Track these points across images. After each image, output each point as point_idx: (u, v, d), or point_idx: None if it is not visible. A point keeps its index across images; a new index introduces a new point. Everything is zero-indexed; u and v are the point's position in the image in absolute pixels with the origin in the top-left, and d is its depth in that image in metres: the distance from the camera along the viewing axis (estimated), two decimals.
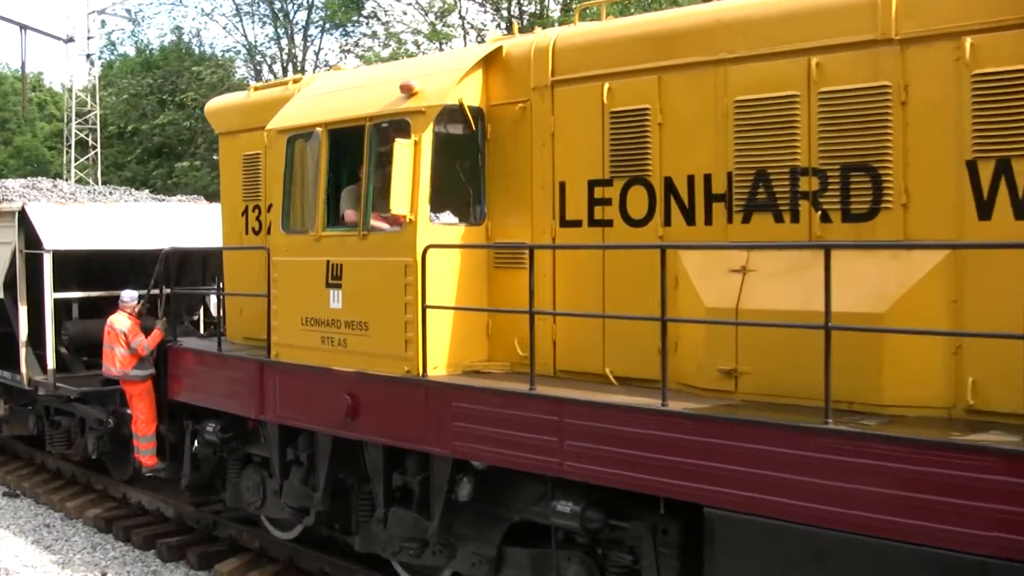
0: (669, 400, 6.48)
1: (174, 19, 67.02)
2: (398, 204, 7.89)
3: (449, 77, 8.10)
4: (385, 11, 38.86)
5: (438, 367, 7.98)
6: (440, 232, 8.06)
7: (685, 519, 6.55)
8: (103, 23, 45.46)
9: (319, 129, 8.82)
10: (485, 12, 35.66)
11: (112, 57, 48.58)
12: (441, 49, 21.94)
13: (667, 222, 7.19)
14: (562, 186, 7.83)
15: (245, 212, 11.04)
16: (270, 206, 10.57)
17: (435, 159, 8.04)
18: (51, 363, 12.79)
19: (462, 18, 36.28)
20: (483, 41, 34.96)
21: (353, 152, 8.80)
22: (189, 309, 14.85)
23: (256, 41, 44.56)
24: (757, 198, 6.69)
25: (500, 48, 8.29)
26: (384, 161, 8.42)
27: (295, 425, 9.22)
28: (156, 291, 11.38)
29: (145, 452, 11.26)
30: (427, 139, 7.98)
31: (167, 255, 11.33)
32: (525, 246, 7.64)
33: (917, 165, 6.02)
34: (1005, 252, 5.62)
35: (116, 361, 11.06)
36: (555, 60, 7.84)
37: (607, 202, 7.52)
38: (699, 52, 6.97)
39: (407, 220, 7.97)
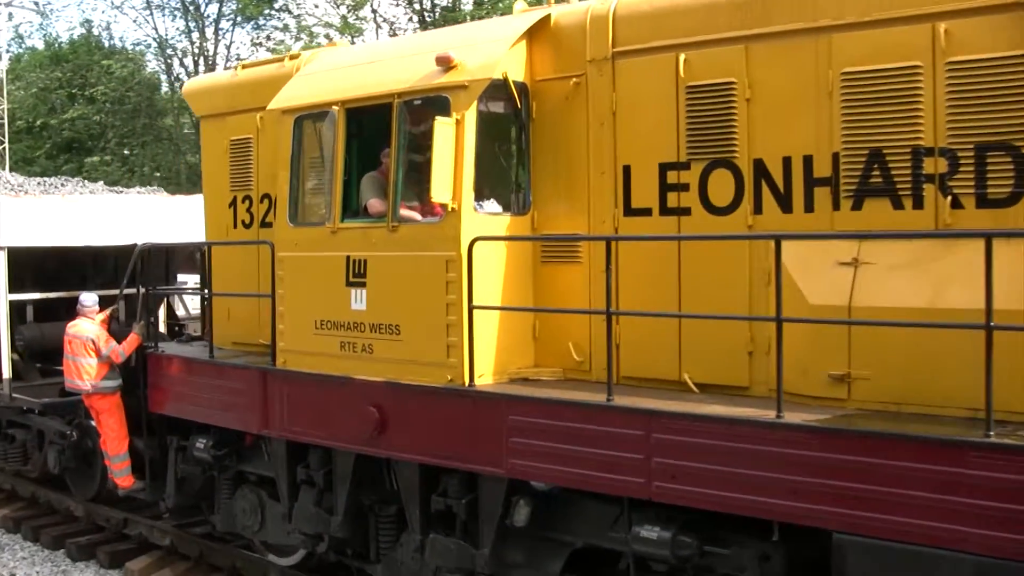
0: (769, 409, 5.80)
1: (83, 12, 65.31)
2: (439, 191, 7.04)
3: (495, 48, 7.27)
4: (297, 4, 39.33)
5: (484, 375, 7.16)
6: (485, 223, 7.24)
7: (790, 545, 5.87)
8: (10, 16, 44.23)
9: (335, 108, 7.91)
10: (397, 5, 36.08)
11: (20, 51, 47.62)
12: (353, 43, 21.70)
13: (757, 210, 6.47)
14: (626, 170, 7.06)
15: (233, 203, 10.04)
16: (264, 196, 9.63)
17: (477, 141, 7.22)
18: (6, 371, 11.61)
19: (374, 11, 37.23)
20: (395, 35, 35.06)
21: (375, 133, 7.93)
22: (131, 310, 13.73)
23: (167, 34, 44.75)
24: (871, 182, 6.01)
25: (547, 17, 7.48)
26: (416, 143, 7.59)
27: (307, 441, 8.31)
28: (134, 292, 10.33)
29: (120, 472, 10.20)
30: (471, 118, 7.14)
31: (143, 251, 10.27)
32: (601, 237, 6.84)
33: None
34: None
35: (83, 373, 9.99)
36: (616, 29, 7.06)
37: (683, 188, 6.77)
38: (796, 18, 6.27)
39: (449, 209, 7.14)
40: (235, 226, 10.02)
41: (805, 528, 5.67)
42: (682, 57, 6.70)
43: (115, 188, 16.04)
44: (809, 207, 6.27)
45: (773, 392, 6.24)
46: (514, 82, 7.37)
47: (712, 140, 6.61)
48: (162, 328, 13.77)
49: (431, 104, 7.40)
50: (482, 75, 7.12)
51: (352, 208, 8.02)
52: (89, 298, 10.40)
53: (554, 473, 6.65)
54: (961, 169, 5.69)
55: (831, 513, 5.39)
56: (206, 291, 10.11)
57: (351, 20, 37.15)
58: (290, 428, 8.39)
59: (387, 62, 8.02)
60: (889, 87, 5.89)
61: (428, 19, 33.49)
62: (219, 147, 10.15)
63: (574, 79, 7.29)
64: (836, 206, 6.14)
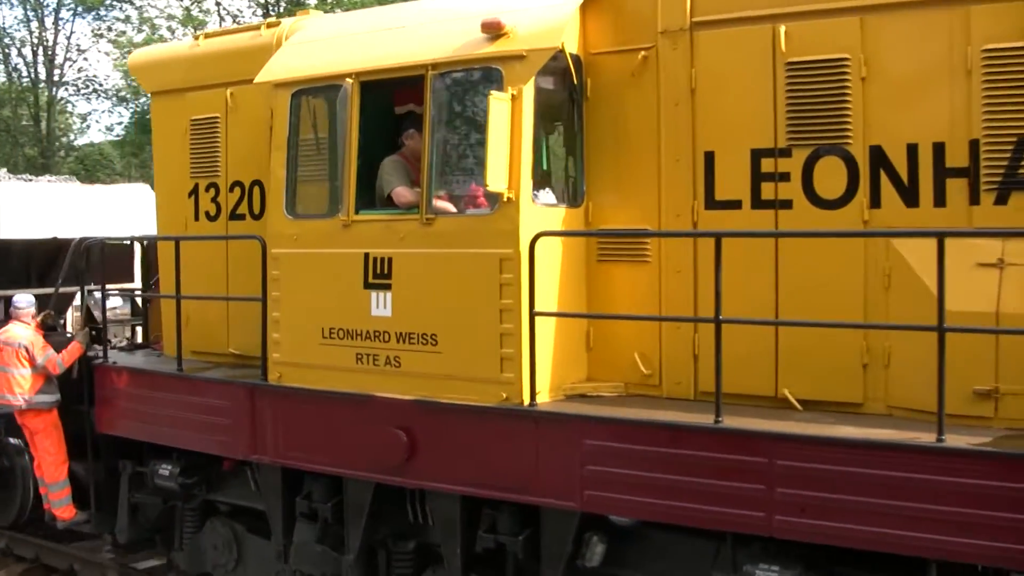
0: (898, 428, 5.16)
1: None
2: (495, 179, 6.10)
3: (556, 12, 6.36)
4: None
5: (540, 392, 6.27)
6: (544, 216, 6.34)
7: None
8: None
9: (349, 80, 6.86)
10: None
11: None
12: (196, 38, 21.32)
13: (875, 203, 5.77)
14: (709, 157, 6.28)
15: (195, 192, 8.80)
16: (235, 184, 8.47)
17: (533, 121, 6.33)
18: None
19: (218, 4, 37.11)
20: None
21: (380, 113, 6.95)
22: (58, 311, 12.22)
23: (4, 23, 43.06)
24: (1019, 173, 5.40)
25: None
26: (454, 122, 6.63)
27: (310, 469, 7.24)
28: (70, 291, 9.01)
29: (58, 503, 8.85)
30: (529, 93, 6.22)
31: (88, 247, 8.93)
32: (710, 233, 5.99)
33: None
34: None
35: (15, 386, 8.61)
36: None
37: (783, 177, 6.01)
38: None
39: (504, 200, 6.21)
40: (196, 218, 8.78)
41: (957, 567, 5.03)
42: (782, 29, 5.95)
43: (23, 176, 14.31)
44: (940, 201, 5.60)
45: (892, 410, 5.67)
46: (569, 54, 6.51)
47: (819, 124, 5.89)
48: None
49: (476, 77, 6.46)
50: (544, 44, 6.20)
51: (367, 198, 7.00)
52: (23, 299, 9.01)
53: (643, 506, 5.81)
54: None
55: (1018, 552, 4.74)
56: (165, 293, 8.84)
57: (194, 12, 37.45)
58: (286, 453, 7.29)
59: (412, 28, 7.00)
60: None
61: (272, 12, 32.83)
62: (175, 128, 8.89)
63: (642, 52, 6.46)
64: (975, 199, 5.50)
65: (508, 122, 6.14)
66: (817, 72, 5.88)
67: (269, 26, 8.42)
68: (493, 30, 6.33)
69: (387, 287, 6.70)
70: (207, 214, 8.70)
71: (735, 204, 6.20)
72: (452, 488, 6.54)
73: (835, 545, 5.24)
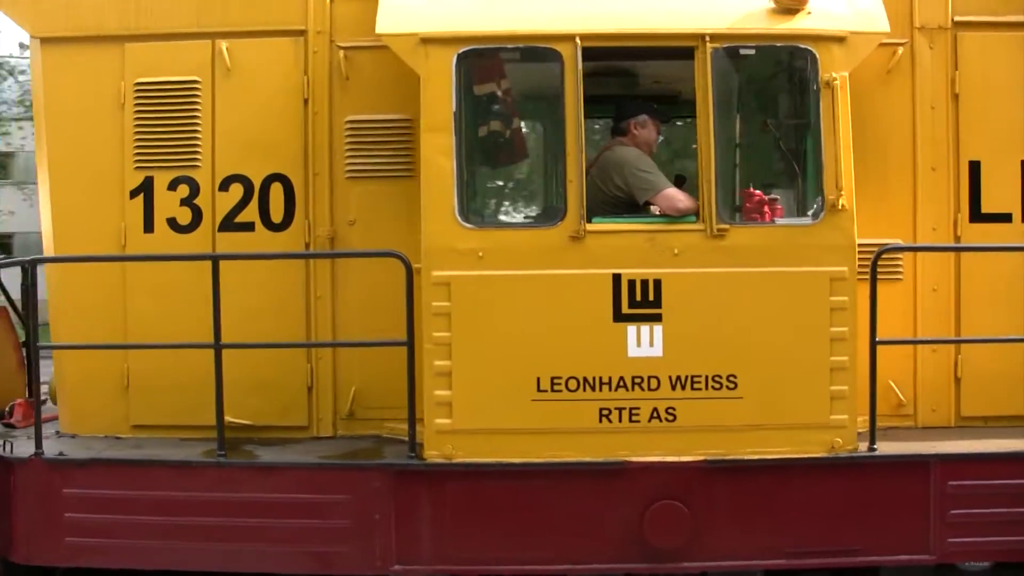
0: None
1: None
2: (833, 183, 5.27)
3: None
4: None
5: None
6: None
7: None
8: None
9: (567, 44, 5.32)
10: None
11: None
12: None
13: None
14: (974, 166, 6.06)
15: (145, 190, 6.09)
16: (231, 179, 6.07)
17: None
18: None
19: None
20: None
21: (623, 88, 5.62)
22: None
23: None
24: None
25: None
26: (742, 109, 5.58)
27: (498, 572, 5.46)
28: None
29: None
30: (846, 85, 5.46)
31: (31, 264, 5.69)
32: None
33: None
34: None
35: None
36: None
37: None
38: None
39: (840, 207, 5.35)
40: (149, 228, 6.09)
41: None
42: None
43: None
44: None
45: None
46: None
47: None
48: None
49: (774, 58, 5.49)
50: (873, 27, 5.48)
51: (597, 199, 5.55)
52: None
53: (1011, 545, 5.44)
54: None
55: None
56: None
57: None
58: (456, 557, 5.41)
59: None
60: None
61: None
62: (99, 93, 6.10)
63: (899, 47, 6.03)
64: None
65: (838, 116, 5.33)
66: None
67: None
68: (793, 5, 5.43)
69: (655, 318, 5.34)
70: (172, 222, 6.08)
71: (1005, 217, 6.08)
72: (755, 564, 5.45)
73: None
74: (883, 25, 5.52)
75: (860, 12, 5.51)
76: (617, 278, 5.36)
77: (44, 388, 6.52)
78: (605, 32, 5.42)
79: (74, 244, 6.09)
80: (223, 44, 6.03)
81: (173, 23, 6.08)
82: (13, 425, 6.33)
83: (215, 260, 5.56)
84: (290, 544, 5.42)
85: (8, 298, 6.84)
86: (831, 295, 5.37)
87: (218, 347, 5.51)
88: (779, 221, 5.48)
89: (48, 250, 6.19)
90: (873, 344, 5.40)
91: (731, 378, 5.37)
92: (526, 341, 5.37)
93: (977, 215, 6.11)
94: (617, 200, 5.65)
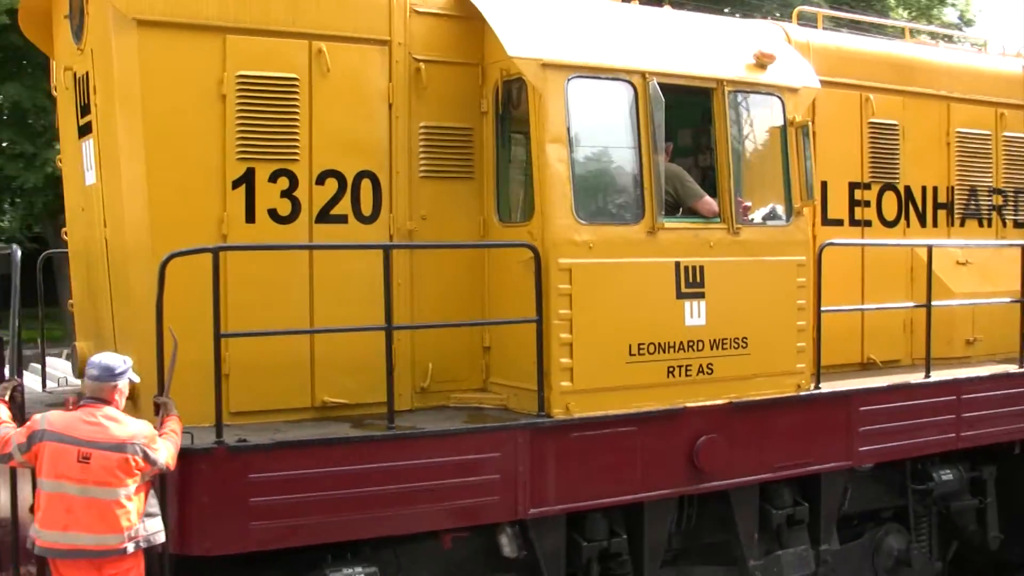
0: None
1: None
2: (797, 196, 7.68)
3: (802, 59, 8.02)
4: None
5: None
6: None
7: None
8: None
9: (653, 80, 7.04)
10: None
11: None
12: None
13: (908, 223, 9.33)
14: (824, 185, 8.78)
15: (247, 181, 6.47)
16: (327, 174, 6.78)
17: None
18: None
19: None
20: None
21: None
22: None
23: None
24: (969, 208, 9.69)
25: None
26: (741, 138, 7.67)
27: (603, 505, 6.98)
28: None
29: None
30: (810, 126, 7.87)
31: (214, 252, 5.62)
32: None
33: None
34: None
35: (122, 517, 5.22)
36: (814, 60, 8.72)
37: (865, 204, 9.04)
38: (929, 85, 9.42)
39: (803, 213, 7.73)
40: (251, 219, 6.51)
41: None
42: (870, 97, 9.00)
43: None
44: (935, 223, 9.52)
45: (920, 362, 9.37)
46: None
47: (885, 167, 9.14)
48: None
49: (755, 100, 7.66)
50: (814, 84, 7.92)
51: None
52: (111, 359, 5.22)
53: (902, 448, 8.29)
54: (1008, 203, 9.96)
55: None
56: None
57: None
58: (574, 496, 6.84)
59: (689, 39, 7.60)
60: (979, 146, 9.73)
61: None
62: (195, 80, 6.36)
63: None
64: (953, 223, 9.60)
65: (807, 146, 7.71)
66: (884, 129, 9.14)
67: None
68: (766, 60, 7.71)
69: (701, 295, 7.28)
70: (273, 213, 6.58)
71: (839, 222, 8.93)
72: (755, 479, 7.60)
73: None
74: (817, 83, 8.03)
75: (805, 72, 7.96)
76: (678, 264, 7.21)
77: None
78: (667, 72, 7.21)
79: (174, 234, 6.28)
80: (322, 45, 6.69)
81: (270, 19, 6.57)
82: None
83: (387, 250, 6.35)
84: (448, 501, 6.41)
85: None
86: (797, 276, 7.74)
87: (389, 329, 6.32)
88: (768, 223, 7.72)
89: (142, 241, 6.30)
90: (819, 311, 7.87)
91: (744, 339, 7.48)
92: (622, 316, 6.97)
93: (825, 220, 8.90)
94: (665, 203, 7.45)
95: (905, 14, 49.56)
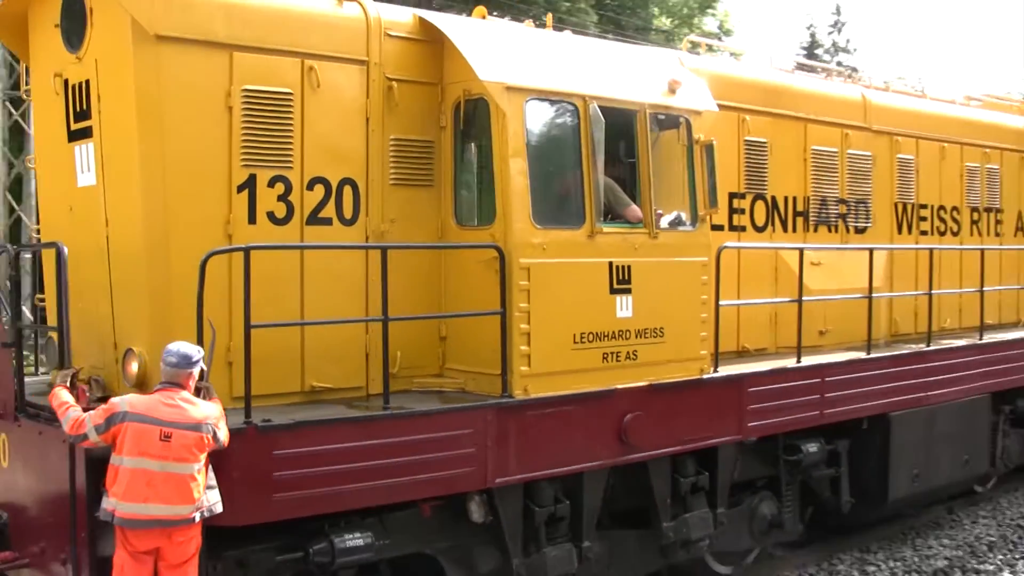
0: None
1: None
2: (701, 205, 9.04)
3: (702, 85, 9.36)
4: None
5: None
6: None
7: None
8: None
9: (595, 104, 8.22)
10: None
11: None
12: None
13: (775, 228, 10.88)
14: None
15: (249, 187, 7.23)
16: (316, 181, 7.64)
17: None
18: None
19: None
20: None
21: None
22: None
23: None
24: (820, 215, 11.35)
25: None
26: (657, 154, 8.92)
27: (552, 475, 8.10)
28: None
29: None
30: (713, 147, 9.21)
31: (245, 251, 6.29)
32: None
33: (879, 201, 12.09)
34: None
35: (185, 490, 6.03)
36: None
37: (741, 211, 10.52)
38: (791, 108, 11.00)
39: (708, 220, 9.09)
40: (252, 220, 7.28)
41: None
42: (746, 118, 10.49)
43: None
44: (795, 229, 11.13)
45: (781, 348, 11.01)
46: None
47: (757, 179, 10.66)
48: None
49: (666, 121, 8.96)
50: (713, 108, 9.28)
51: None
52: (187, 348, 6.05)
53: (781, 424, 9.80)
54: (850, 211, 11.69)
55: (892, 403, 10.94)
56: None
57: None
58: (529, 467, 7.95)
59: (616, 66, 8.86)
60: (827, 162, 11.40)
61: None
62: (205, 93, 7.08)
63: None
64: (808, 228, 11.23)
65: (703, 160, 9.08)
66: (757, 147, 10.66)
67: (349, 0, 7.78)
68: (676, 86, 9.04)
69: (628, 291, 8.52)
70: (271, 216, 7.38)
71: (720, 227, 10.36)
72: (667, 452, 8.91)
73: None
74: (715, 107, 9.41)
75: (707, 97, 9.34)
76: (611, 264, 8.42)
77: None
78: (604, 96, 8.41)
79: (184, 233, 7.02)
80: (313, 63, 7.52)
81: (269, 38, 7.35)
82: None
83: (384, 250, 7.28)
84: (433, 472, 7.41)
85: None
86: (702, 274, 9.11)
87: (385, 320, 7.25)
88: (679, 228, 9.04)
89: (156, 240, 6.97)
90: (717, 305, 9.26)
91: (661, 329, 8.77)
92: (568, 308, 8.12)
93: (732, 227, 10.34)
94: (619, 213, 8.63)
95: (668, 22, 52.93)
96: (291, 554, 7.02)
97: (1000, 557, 11.64)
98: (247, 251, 6.68)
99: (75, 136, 7.69)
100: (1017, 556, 11.70)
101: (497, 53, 8.07)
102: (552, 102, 8.20)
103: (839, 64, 70.15)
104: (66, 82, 7.70)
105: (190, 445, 5.98)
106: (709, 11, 56.79)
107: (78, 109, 7.61)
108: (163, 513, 5.93)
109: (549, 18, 9.68)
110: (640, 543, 9.16)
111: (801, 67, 12.39)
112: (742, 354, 10.54)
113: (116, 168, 7.31)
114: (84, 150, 7.59)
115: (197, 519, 6.07)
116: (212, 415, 6.15)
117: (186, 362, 6.19)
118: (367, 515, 7.41)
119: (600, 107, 8.35)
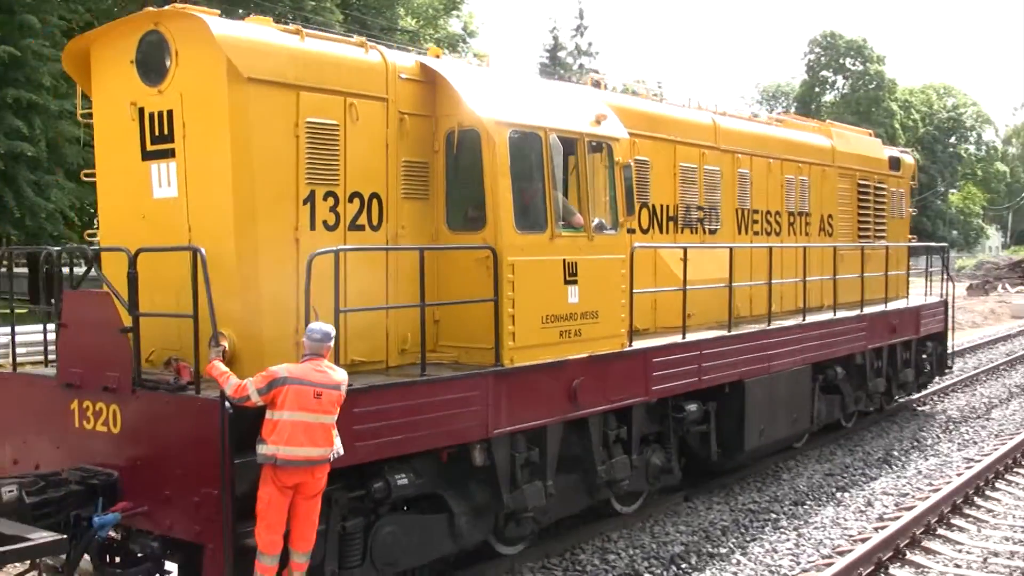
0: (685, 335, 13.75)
1: None
2: (621, 213, 11.72)
3: (617, 120, 11.98)
4: None
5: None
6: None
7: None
8: None
9: (553, 134, 10.72)
10: None
11: None
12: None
13: (654, 230, 13.69)
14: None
15: (311, 200, 9.27)
16: (355, 195, 9.80)
17: None
18: None
19: None
20: None
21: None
22: None
23: None
24: (688, 219, 14.24)
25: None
26: (590, 173, 11.50)
27: (530, 427, 10.51)
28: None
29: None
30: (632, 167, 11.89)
31: (336, 253, 8.29)
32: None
33: (725, 207, 15.11)
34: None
35: (329, 436, 8.26)
36: None
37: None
38: (669, 133, 13.84)
39: (627, 227, 11.76)
40: (312, 227, 9.36)
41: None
42: (635, 141, 13.22)
43: None
44: (668, 231, 13.96)
45: (663, 328, 13.86)
46: None
47: (641, 191, 13.42)
48: None
49: (596, 146, 11.54)
50: (626, 136, 11.95)
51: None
52: (330, 329, 8.27)
53: (680, 386, 12.59)
54: (706, 216, 14.65)
55: (747, 371, 13.98)
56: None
57: None
58: (516, 421, 10.37)
59: (561, 102, 11.27)
60: (691, 177, 14.32)
61: None
62: (280, 125, 9.12)
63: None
64: (678, 231, 14.10)
65: (621, 180, 11.74)
66: (642, 167, 13.44)
67: (368, 48, 9.90)
68: (602, 118, 11.67)
69: (576, 282, 11.07)
70: (325, 223, 9.46)
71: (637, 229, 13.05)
72: (601, 410, 11.51)
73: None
74: (627, 134, 12.09)
75: (621, 127, 12.01)
76: (564, 261, 10.94)
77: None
78: (561, 128, 10.93)
79: (266, 237, 9.03)
80: (353, 100, 9.63)
81: (324, 80, 9.42)
82: (185, 387, 8.73)
83: (421, 252, 9.51)
84: (453, 425, 9.70)
85: (110, 287, 8.95)
86: (622, 269, 11.77)
87: (423, 306, 9.49)
88: (606, 231, 11.64)
89: (246, 245, 8.93)
90: (631, 293, 11.94)
91: (596, 312, 11.38)
92: (538, 296, 10.59)
93: (644, 231, 13.01)
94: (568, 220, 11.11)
95: (413, 22, 55.40)
96: (358, 492, 9.19)
97: (732, 540, 12.71)
98: (336, 253, 8.79)
99: (151, 156, 9.49)
100: (748, 539, 12.78)
101: (483, 93, 10.46)
102: (525, 133, 10.64)
103: (581, 67, 75.34)
104: (141, 110, 9.49)
105: (334, 401, 8.10)
106: (454, 12, 59.70)
107: (156, 133, 9.42)
108: (315, 455, 8.01)
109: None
110: (579, 483, 11.75)
111: (665, 100, 15.31)
112: (634, 333, 13.28)
113: (199, 184, 9.20)
114: (163, 168, 9.42)
115: (332, 458, 8.18)
116: (344, 379, 8.27)
117: (327, 338, 8.28)
118: (403, 460, 9.62)
119: (557, 136, 10.88)
